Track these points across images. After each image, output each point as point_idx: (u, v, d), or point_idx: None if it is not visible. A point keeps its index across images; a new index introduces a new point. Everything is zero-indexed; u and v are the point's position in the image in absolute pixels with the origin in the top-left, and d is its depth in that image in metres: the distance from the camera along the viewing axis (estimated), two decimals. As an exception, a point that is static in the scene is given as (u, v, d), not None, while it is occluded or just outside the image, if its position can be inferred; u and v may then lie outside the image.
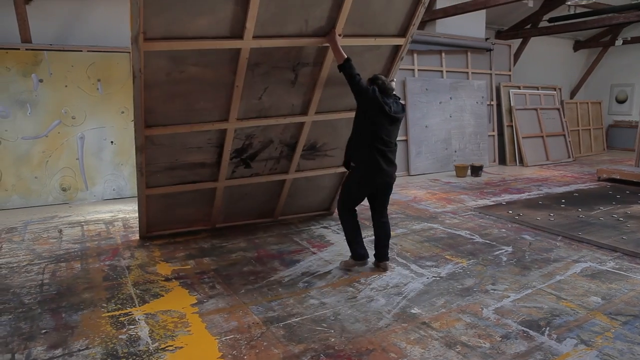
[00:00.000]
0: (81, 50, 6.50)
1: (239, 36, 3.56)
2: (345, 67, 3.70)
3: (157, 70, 3.54)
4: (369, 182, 3.78)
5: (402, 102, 4.04)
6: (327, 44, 3.88)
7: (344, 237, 4.07)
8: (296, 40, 3.81)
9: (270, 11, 3.52)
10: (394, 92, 4.03)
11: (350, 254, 4.03)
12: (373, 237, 4.06)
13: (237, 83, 3.87)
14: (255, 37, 3.60)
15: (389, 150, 3.75)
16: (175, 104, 3.85)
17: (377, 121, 3.66)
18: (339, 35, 3.83)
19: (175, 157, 4.24)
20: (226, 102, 4.00)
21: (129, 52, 6.64)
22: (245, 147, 4.47)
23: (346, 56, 3.73)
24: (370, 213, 4.05)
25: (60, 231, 5.07)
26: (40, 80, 6.21)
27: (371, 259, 4.04)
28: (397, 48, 4.31)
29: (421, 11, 4.08)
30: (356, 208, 4.01)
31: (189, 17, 3.32)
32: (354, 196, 3.92)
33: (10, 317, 3.08)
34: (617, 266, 4.03)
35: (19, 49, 6.14)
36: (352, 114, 3.94)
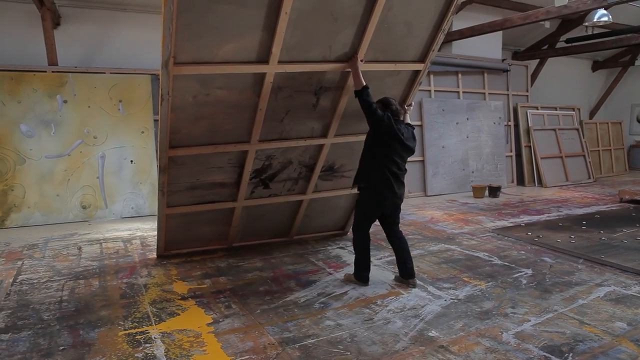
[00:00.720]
0: (104, 72, 6.71)
1: (265, 61, 3.62)
2: (363, 94, 3.74)
3: (184, 93, 3.61)
4: (381, 203, 3.86)
5: (414, 126, 4.07)
6: (349, 69, 3.93)
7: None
8: (319, 66, 3.87)
9: (296, 37, 3.58)
10: (407, 120, 4.12)
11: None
12: (393, 257, 4.02)
13: (261, 106, 3.92)
14: (280, 62, 3.67)
15: (401, 174, 3.86)
16: (200, 125, 3.91)
17: (391, 145, 3.76)
18: (361, 60, 3.88)
19: (196, 176, 4.29)
20: (249, 124, 4.06)
21: (150, 74, 6.84)
22: (265, 167, 4.51)
23: (365, 83, 3.77)
24: (383, 234, 4.06)
25: (79, 248, 5.15)
26: (65, 101, 6.40)
27: (387, 279, 4.00)
28: (416, 73, 4.35)
29: (441, 38, 4.12)
30: (370, 232, 4.02)
31: (218, 43, 3.38)
32: (368, 217, 3.97)
33: (29, 332, 3.12)
34: (642, 291, 3.91)
35: (45, 71, 6.37)
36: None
